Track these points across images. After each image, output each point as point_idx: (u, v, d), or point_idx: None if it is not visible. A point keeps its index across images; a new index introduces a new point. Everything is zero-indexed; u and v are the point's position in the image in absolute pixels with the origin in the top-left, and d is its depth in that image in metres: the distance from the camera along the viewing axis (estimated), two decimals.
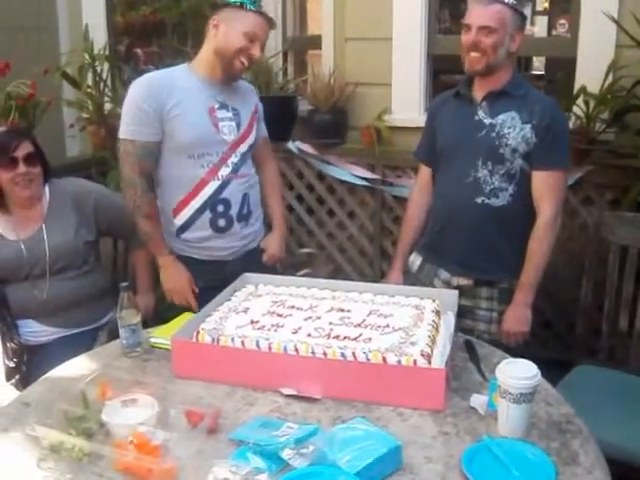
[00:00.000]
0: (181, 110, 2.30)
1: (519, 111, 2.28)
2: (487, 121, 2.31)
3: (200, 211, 2.41)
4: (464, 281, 2.40)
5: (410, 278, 2.54)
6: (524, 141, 2.26)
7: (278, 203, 2.74)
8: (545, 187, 2.29)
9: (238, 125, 2.44)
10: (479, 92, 2.36)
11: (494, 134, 2.29)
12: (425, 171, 2.59)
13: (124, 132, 2.33)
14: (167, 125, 2.31)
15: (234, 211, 2.44)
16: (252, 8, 2.32)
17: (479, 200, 2.32)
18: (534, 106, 2.27)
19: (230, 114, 2.42)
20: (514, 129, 2.27)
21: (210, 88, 2.39)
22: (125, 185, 2.38)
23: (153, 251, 2.49)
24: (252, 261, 2.53)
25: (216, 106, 2.39)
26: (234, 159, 2.43)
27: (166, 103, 2.29)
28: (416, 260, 2.57)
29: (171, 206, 2.43)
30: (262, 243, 2.63)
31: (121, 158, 2.37)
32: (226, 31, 2.31)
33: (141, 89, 2.32)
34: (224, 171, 2.41)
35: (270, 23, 2.39)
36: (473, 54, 2.26)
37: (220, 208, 2.42)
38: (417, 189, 2.64)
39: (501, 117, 2.29)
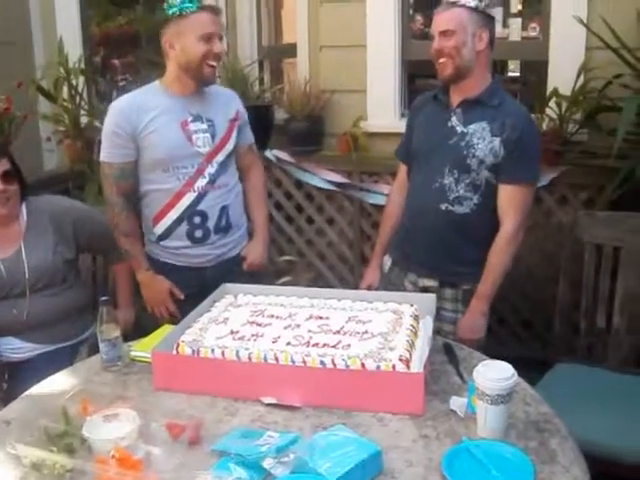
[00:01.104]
0: (154, 127, 2.38)
1: (491, 122, 2.27)
2: (459, 129, 2.32)
3: (177, 222, 2.47)
4: (430, 282, 2.41)
5: (383, 278, 2.58)
6: (492, 153, 2.26)
7: (261, 210, 2.73)
8: (509, 201, 2.29)
9: (213, 136, 2.47)
10: (455, 98, 2.36)
11: (463, 143, 2.30)
12: (403, 169, 2.61)
13: (102, 156, 2.45)
14: (141, 143, 2.39)
15: (211, 223, 2.48)
16: (191, 9, 2.32)
17: (443, 206, 2.34)
18: (506, 119, 2.25)
19: (205, 125, 2.45)
20: (483, 140, 2.27)
21: (183, 102, 2.44)
22: (106, 204, 2.49)
23: (132, 267, 2.57)
24: (232, 269, 2.56)
25: (189, 119, 2.43)
26: (210, 169, 2.46)
27: (138, 123, 2.37)
28: (387, 261, 2.59)
29: (152, 215, 2.51)
30: (243, 251, 2.64)
31: (102, 180, 2.49)
32: (181, 46, 2.35)
33: (114, 114, 2.41)
34: (200, 182, 2.45)
35: (215, 11, 2.40)
36: (440, 60, 2.28)
37: (197, 220, 2.46)
38: (396, 187, 2.65)
39: (472, 127, 2.29)
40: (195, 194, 2.44)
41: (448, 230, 2.35)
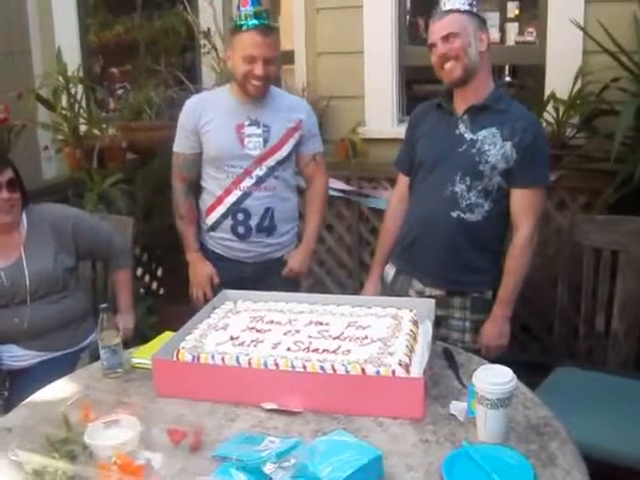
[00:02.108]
0: (212, 126, 2.58)
1: (500, 127, 2.27)
2: (468, 136, 2.31)
3: (224, 216, 2.66)
4: (437, 291, 2.40)
5: (385, 289, 2.56)
6: (504, 159, 2.26)
7: (313, 221, 2.81)
8: (524, 205, 2.30)
9: (266, 141, 2.59)
10: (460, 105, 2.36)
11: (474, 150, 2.29)
12: (404, 181, 2.59)
13: (174, 146, 2.71)
14: (202, 139, 2.61)
15: (254, 222, 2.62)
16: (248, 27, 2.42)
17: (454, 214, 2.33)
18: (516, 123, 2.26)
19: (259, 130, 2.58)
20: (494, 146, 2.27)
21: (244, 106, 2.59)
22: (172, 189, 2.75)
23: (184, 247, 2.77)
24: (273, 269, 2.71)
25: (246, 123, 2.58)
26: (259, 172, 2.59)
27: (200, 120, 2.59)
28: (390, 271, 2.57)
29: (205, 208, 2.71)
30: (286, 255, 2.73)
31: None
32: (232, 60, 2.54)
33: (184, 109, 2.67)
34: (247, 183, 2.59)
35: (265, 32, 2.45)
36: (447, 65, 2.27)
37: (240, 217, 2.63)
38: (395, 199, 2.63)
39: (482, 133, 2.29)
40: (240, 192, 2.59)
41: (459, 238, 2.34)
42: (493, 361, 1.87)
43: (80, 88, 4.08)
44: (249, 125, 2.57)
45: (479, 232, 2.33)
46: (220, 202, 2.63)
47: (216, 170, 2.62)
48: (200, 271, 2.73)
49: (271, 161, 2.59)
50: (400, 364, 1.68)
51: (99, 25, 5.50)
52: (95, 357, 2.16)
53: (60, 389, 1.92)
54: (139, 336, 2.66)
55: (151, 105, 3.89)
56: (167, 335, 2.09)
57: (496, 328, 2.37)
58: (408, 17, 3.93)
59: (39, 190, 3.32)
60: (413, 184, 2.53)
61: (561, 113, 3.29)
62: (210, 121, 2.58)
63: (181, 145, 2.67)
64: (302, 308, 2.10)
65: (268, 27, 2.49)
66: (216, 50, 3.95)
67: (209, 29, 3.97)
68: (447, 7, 2.28)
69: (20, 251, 2.47)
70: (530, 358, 3.19)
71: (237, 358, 1.76)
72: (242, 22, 2.44)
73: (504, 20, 6.01)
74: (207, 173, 2.67)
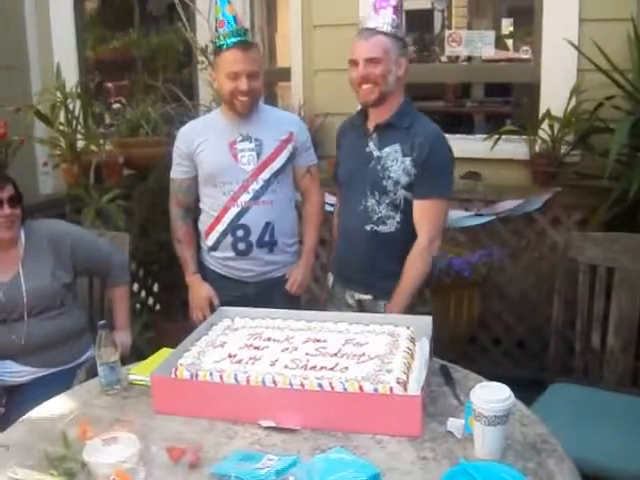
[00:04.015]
0: (206, 147, 2.62)
1: (402, 144, 2.37)
2: (375, 153, 2.41)
3: (223, 234, 2.65)
4: (365, 296, 2.51)
5: (328, 295, 2.70)
6: (405, 173, 2.36)
7: (311, 234, 2.82)
8: (422, 215, 2.39)
9: (259, 154, 2.60)
10: (371, 123, 2.45)
11: (379, 167, 2.39)
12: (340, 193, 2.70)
13: (171, 173, 2.75)
14: (196, 160, 2.64)
15: (254, 237, 2.62)
16: (228, 45, 2.47)
17: (368, 227, 2.43)
18: (415, 139, 2.35)
19: (252, 145, 2.60)
20: (396, 162, 2.37)
21: (234, 124, 2.61)
22: (170, 214, 2.79)
23: (183, 269, 2.79)
24: (275, 288, 2.70)
25: (238, 139, 2.60)
26: (255, 186, 2.59)
27: (194, 144, 2.63)
28: (330, 277, 2.70)
29: (204, 228, 2.72)
30: (287, 272, 2.74)
31: None
32: (218, 81, 2.59)
33: (178, 136, 2.71)
34: (244, 198, 2.60)
35: (245, 48, 2.48)
36: (365, 86, 2.34)
37: (240, 233, 2.62)
38: (336, 211, 2.74)
39: (386, 150, 2.39)
40: (238, 208, 2.60)
41: (376, 249, 2.44)
42: (489, 377, 1.89)
43: (78, 104, 4.10)
44: (241, 141, 2.60)
45: (393, 242, 2.43)
46: (219, 220, 2.63)
47: (212, 188, 2.63)
48: (199, 293, 2.73)
49: (266, 173, 2.60)
50: (398, 382, 1.69)
51: (96, 40, 5.53)
52: (92, 373, 2.16)
53: (58, 406, 1.92)
54: (136, 352, 2.66)
55: (148, 121, 3.90)
56: (165, 352, 2.10)
57: None
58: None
59: (37, 205, 3.34)
60: (340, 199, 2.67)
61: (556, 130, 3.32)
62: (203, 142, 2.61)
63: (177, 171, 2.71)
64: (300, 325, 2.10)
65: (248, 43, 2.52)
66: (213, 67, 3.97)
67: (207, 45, 3.99)
68: (372, 25, 2.34)
69: (18, 267, 2.47)
70: (526, 375, 3.20)
71: (235, 376, 1.77)
72: (221, 42, 2.48)
73: (499, 37, 6.05)
74: (204, 193, 2.69)
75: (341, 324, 2.09)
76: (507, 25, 7.56)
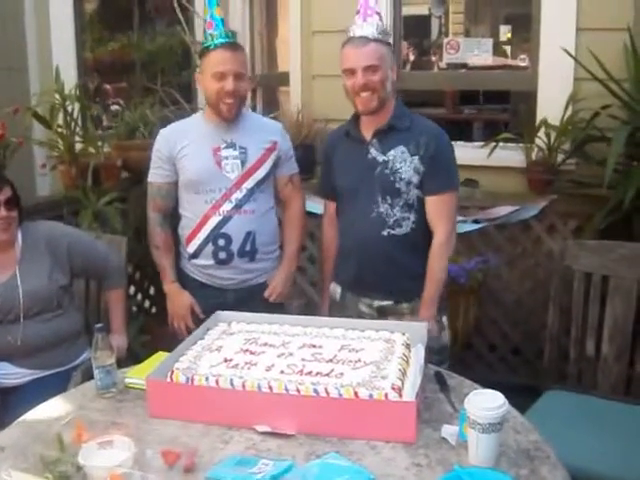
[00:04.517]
0: (188, 152, 2.56)
1: (407, 144, 2.38)
2: (380, 158, 2.41)
3: (205, 243, 2.60)
4: (385, 302, 2.49)
5: (336, 306, 2.62)
6: (415, 172, 2.38)
7: (293, 242, 2.78)
8: (436, 211, 2.42)
9: (243, 162, 2.57)
10: (367, 130, 2.45)
11: (388, 170, 2.39)
12: (331, 206, 2.67)
13: (149, 176, 2.68)
14: (178, 165, 2.58)
15: (235, 246, 2.58)
16: (216, 45, 2.44)
17: (385, 232, 2.43)
18: (419, 138, 2.38)
19: (236, 152, 2.57)
20: (405, 162, 2.38)
21: (218, 130, 2.58)
22: (147, 220, 2.72)
23: (161, 277, 2.72)
24: (256, 296, 2.65)
25: (222, 146, 2.56)
26: (238, 195, 2.56)
27: (175, 148, 2.57)
28: (337, 289, 2.63)
29: (185, 235, 2.66)
30: (269, 280, 2.71)
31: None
32: (203, 83, 2.54)
33: (158, 139, 2.65)
34: (226, 207, 2.56)
35: (232, 48, 2.47)
36: (364, 94, 2.35)
37: (221, 242, 2.58)
38: (327, 223, 2.71)
39: (392, 153, 2.39)
40: (220, 217, 2.56)
41: (395, 252, 2.44)
42: (483, 383, 1.90)
43: (77, 106, 4.10)
44: (225, 148, 2.56)
45: (410, 241, 2.44)
46: (200, 228, 2.59)
47: (194, 195, 2.59)
48: (179, 302, 2.68)
49: (250, 182, 2.58)
50: (393, 388, 1.70)
51: (95, 42, 5.54)
52: (87, 375, 2.16)
53: (53, 408, 1.92)
54: (131, 355, 2.67)
55: (146, 124, 3.90)
56: (160, 355, 2.10)
57: None
58: (401, 41, 3.98)
59: (34, 207, 3.33)
60: (340, 211, 2.62)
61: (553, 139, 3.34)
62: (186, 147, 2.56)
63: (155, 175, 2.65)
64: (296, 330, 2.11)
65: (235, 44, 2.52)
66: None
67: None
68: (363, 33, 2.34)
69: (15, 268, 2.47)
70: (521, 381, 3.21)
71: (231, 381, 1.77)
72: (209, 42, 2.46)
73: (496, 44, 6.07)
74: (185, 200, 2.64)
75: (337, 330, 2.10)
76: (505, 32, 7.58)
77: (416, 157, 2.37)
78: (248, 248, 2.59)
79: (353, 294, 2.57)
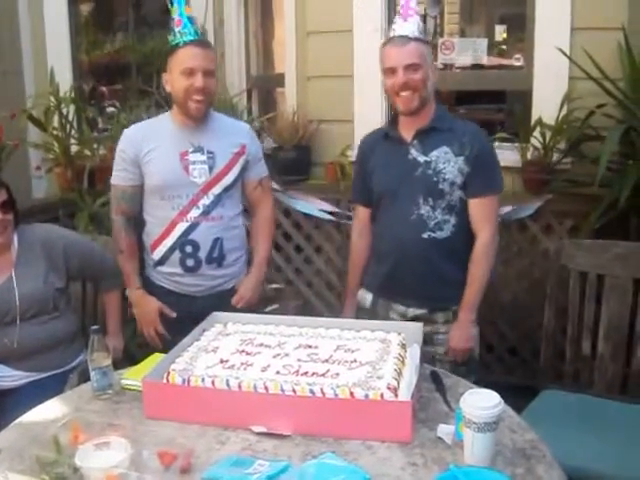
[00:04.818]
0: (155, 155, 2.48)
1: (450, 145, 2.36)
2: (422, 159, 2.38)
3: (171, 250, 2.53)
4: (419, 311, 2.45)
5: (366, 312, 2.56)
6: (460, 173, 2.35)
7: (263, 247, 2.72)
8: (481, 213, 2.39)
9: (211, 168, 2.50)
10: (408, 131, 2.42)
11: (431, 171, 2.36)
12: (363, 212, 2.63)
13: (112, 178, 2.59)
14: (143, 169, 2.49)
15: (203, 253, 2.51)
16: (185, 42, 2.39)
17: (425, 235, 2.38)
18: (463, 138, 2.36)
19: (204, 157, 2.49)
20: (449, 163, 2.35)
21: (186, 133, 2.50)
22: (112, 223, 2.62)
23: (125, 284, 2.64)
24: (224, 301, 2.56)
25: (190, 150, 2.49)
26: (205, 201, 2.50)
27: (141, 150, 2.48)
28: (367, 296, 2.58)
29: (150, 242, 2.58)
30: (237, 284, 2.65)
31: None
32: (171, 82, 2.46)
33: (123, 139, 2.55)
34: (193, 213, 2.49)
35: (202, 45, 2.43)
36: (404, 94, 2.32)
37: (188, 249, 2.51)
38: (357, 231, 2.66)
39: (434, 153, 2.36)
40: (187, 224, 2.49)
41: (434, 256, 2.39)
42: (480, 383, 1.91)
43: (72, 108, 4.11)
44: (193, 152, 2.49)
45: (450, 246, 2.40)
46: (167, 235, 2.51)
47: (160, 201, 2.51)
48: (148, 307, 2.58)
49: (217, 188, 2.51)
50: (389, 387, 1.70)
51: (90, 44, 5.54)
52: (84, 377, 2.16)
53: (50, 410, 1.92)
54: (127, 357, 2.67)
55: None
56: (157, 357, 2.10)
57: (463, 332, 2.42)
58: None
59: (30, 210, 3.33)
60: (377, 215, 2.56)
61: (548, 138, 3.34)
62: (152, 150, 2.48)
63: (120, 177, 2.55)
64: (292, 331, 2.11)
65: (205, 41, 2.49)
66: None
67: None
68: (404, 33, 2.32)
69: (11, 271, 2.47)
70: (517, 381, 3.22)
71: (227, 381, 1.77)
72: (178, 40, 2.41)
73: (492, 44, 6.06)
74: (151, 205, 2.55)
75: (333, 330, 2.10)
76: (500, 32, 7.58)
77: (461, 157, 2.34)
78: (216, 254, 2.53)
79: (385, 300, 2.52)
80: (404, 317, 2.46)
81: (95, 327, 2.03)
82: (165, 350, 2.10)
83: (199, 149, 2.50)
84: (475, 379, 2.23)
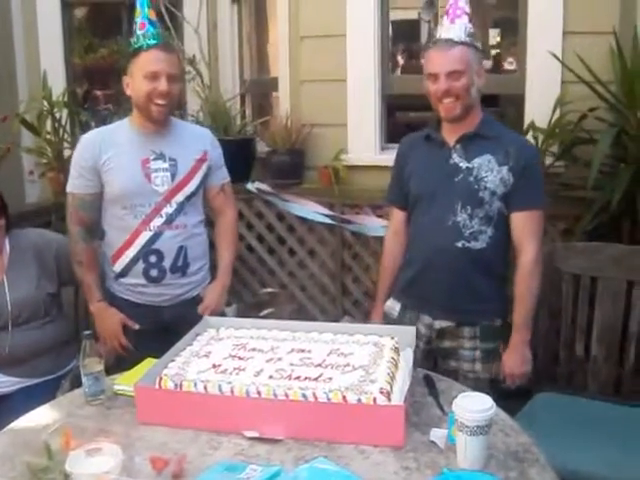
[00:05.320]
0: (115, 163, 2.42)
1: (494, 153, 2.27)
2: (463, 165, 2.30)
3: (134, 261, 2.49)
4: (446, 323, 2.37)
5: (392, 323, 2.44)
6: (502, 183, 2.26)
7: (227, 254, 2.70)
8: (526, 228, 2.29)
9: (173, 175, 2.46)
10: (451, 135, 2.34)
11: (472, 178, 2.28)
12: (398, 215, 2.55)
13: (68, 186, 2.51)
14: (103, 177, 2.43)
15: (167, 263, 2.48)
16: (149, 45, 2.36)
17: (459, 244, 2.30)
18: (509, 147, 2.27)
19: (166, 164, 2.46)
20: (492, 172, 2.26)
21: (147, 140, 2.46)
22: (68, 234, 2.54)
23: (85, 297, 2.59)
24: (191, 309, 2.54)
25: (151, 157, 2.45)
26: (168, 209, 2.46)
27: (100, 158, 2.42)
28: (395, 306, 2.50)
29: (111, 253, 2.53)
30: (202, 293, 2.62)
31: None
32: (132, 85, 2.41)
33: (80, 146, 2.49)
34: (157, 222, 2.45)
35: (167, 49, 2.40)
36: (447, 100, 2.25)
37: (152, 259, 2.47)
38: (391, 233, 2.58)
39: (477, 160, 2.28)
40: (151, 233, 2.45)
41: (466, 267, 2.31)
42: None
43: (65, 112, 4.10)
44: (155, 159, 2.44)
45: (484, 259, 2.31)
46: (129, 245, 2.46)
47: (122, 210, 2.45)
48: (111, 320, 2.51)
49: (180, 196, 2.47)
50: (381, 392, 1.70)
51: (83, 48, 5.52)
52: (76, 383, 2.15)
53: (41, 416, 1.91)
54: (120, 363, 2.65)
55: None
56: (149, 362, 2.09)
57: (518, 355, 2.34)
58: (391, 45, 3.98)
59: (23, 214, 3.32)
60: (412, 218, 2.48)
61: (540, 141, 3.34)
62: (112, 157, 2.42)
63: (76, 185, 2.47)
64: (284, 335, 2.10)
65: (169, 45, 2.46)
66: (201, 77, 3.99)
67: (194, 56, 4.01)
68: (450, 36, 2.24)
69: (2, 276, 2.47)
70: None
71: (219, 386, 1.77)
72: (141, 43, 2.36)
73: (485, 48, 6.08)
74: (111, 214, 2.49)
75: (326, 334, 2.09)
76: (494, 35, 7.61)
77: (505, 167, 2.25)
78: (180, 263, 2.50)
79: (413, 311, 2.44)
80: (430, 329, 2.39)
81: (87, 332, 2.02)
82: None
83: (161, 156, 2.46)
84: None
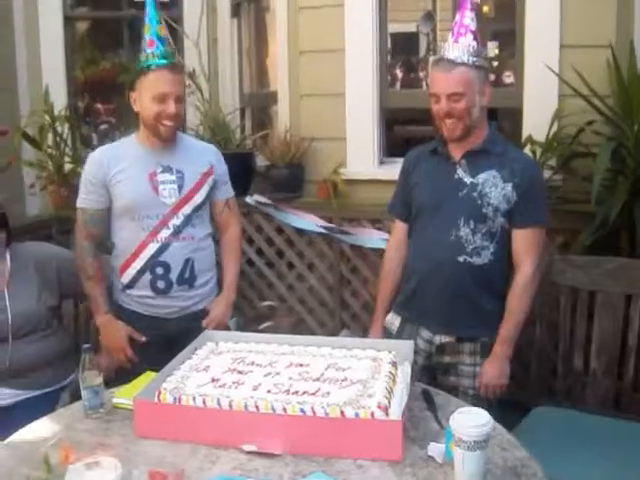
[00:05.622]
0: (123, 176, 2.46)
1: (499, 170, 2.29)
2: (468, 180, 2.31)
3: (141, 272, 2.51)
4: (446, 339, 2.38)
5: (392, 338, 2.46)
6: (505, 200, 2.27)
7: (232, 269, 2.73)
8: (526, 244, 2.31)
9: (180, 187, 2.50)
10: (457, 150, 2.35)
11: (476, 193, 2.29)
12: (400, 227, 2.57)
13: (78, 202, 2.56)
14: (112, 191, 2.48)
15: (174, 275, 2.50)
16: (157, 66, 2.39)
17: (461, 259, 2.31)
18: (514, 165, 2.29)
19: (173, 177, 2.50)
20: (496, 188, 2.27)
21: (154, 154, 2.50)
22: (75, 248, 2.57)
23: (92, 310, 2.59)
24: (196, 322, 2.55)
25: (158, 170, 2.49)
26: (176, 221, 2.49)
27: (109, 173, 2.46)
28: (395, 321, 2.52)
29: (119, 265, 2.55)
30: (208, 306, 2.64)
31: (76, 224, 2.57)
32: (140, 102, 2.45)
33: (90, 162, 2.52)
34: (164, 233, 2.48)
35: (175, 70, 2.44)
36: (449, 121, 2.27)
37: (159, 270, 2.50)
38: (393, 245, 2.60)
39: (482, 176, 2.30)
40: (158, 244, 2.48)
41: (467, 282, 2.32)
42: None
43: (66, 126, 4.13)
44: (162, 172, 2.48)
45: (486, 275, 2.33)
46: (136, 256, 2.49)
47: (130, 222, 2.49)
48: (117, 333, 2.53)
49: (187, 208, 2.51)
50: (379, 406, 1.70)
51: (85, 61, 5.56)
52: (76, 396, 2.16)
53: (41, 429, 1.91)
54: (120, 376, 2.65)
55: None
56: (149, 375, 2.10)
57: (496, 367, 2.35)
58: (389, 59, 4.01)
59: (24, 227, 3.33)
60: (413, 231, 2.50)
61: (538, 155, 3.35)
62: (120, 171, 2.46)
63: (87, 200, 2.51)
64: (283, 349, 2.11)
65: (176, 65, 2.49)
66: (201, 91, 4.02)
67: (194, 70, 4.04)
68: (452, 56, 2.25)
69: (3, 289, 2.47)
70: (508, 397, 3.20)
71: (218, 400, 1.77)
72: (150, 62, 2.39)
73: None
74: (120, 227, 2.53)
75: (324, 349, 2.10)
76: (492, 48, 7.64)
77: (509, 184, 2.27)
78: (187, 275, 2.52)
79: (413, 325, 2.45)
80: (430, 344, 2.41)
81: (87, 345, 2.02)
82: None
83: (168, 169, 2.50)
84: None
